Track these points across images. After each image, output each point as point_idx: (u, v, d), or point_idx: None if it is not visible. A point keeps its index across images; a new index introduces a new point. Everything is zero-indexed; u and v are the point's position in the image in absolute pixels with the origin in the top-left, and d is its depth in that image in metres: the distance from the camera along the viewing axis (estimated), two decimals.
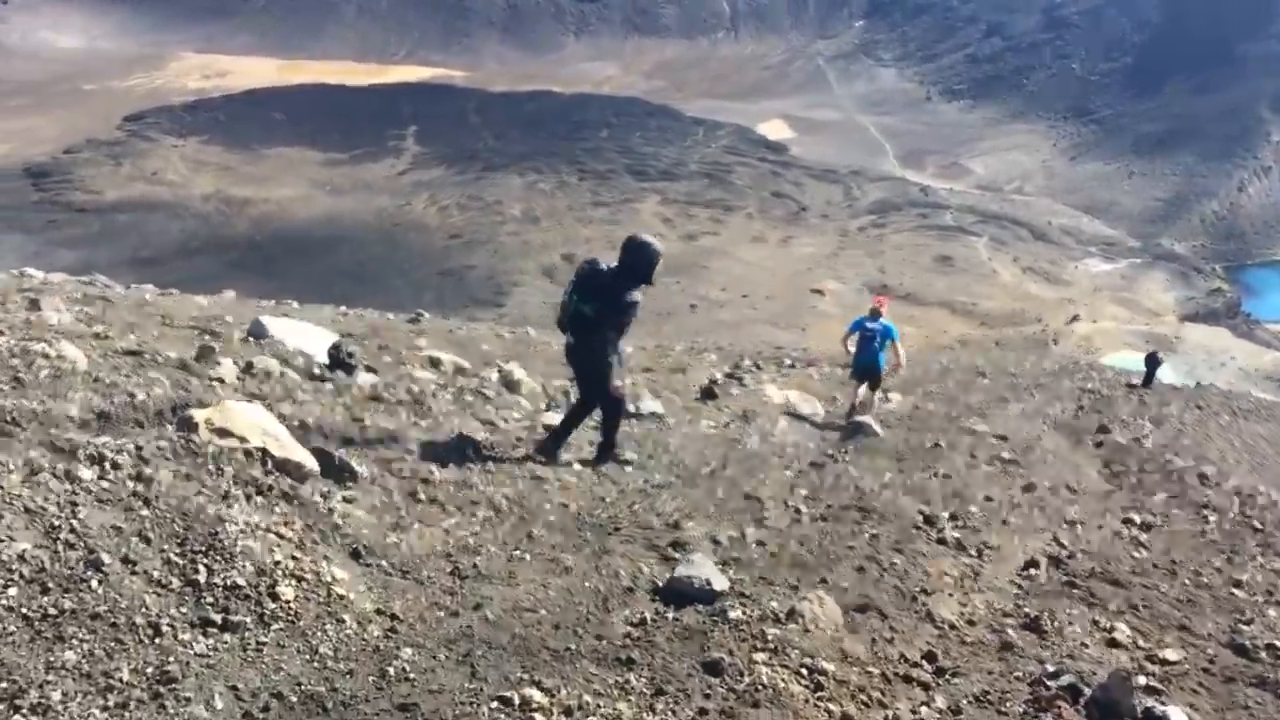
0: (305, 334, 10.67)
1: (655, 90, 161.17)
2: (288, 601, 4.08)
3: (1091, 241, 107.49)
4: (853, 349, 15.00)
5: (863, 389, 14.68)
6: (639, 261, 7.72)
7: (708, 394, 13.63)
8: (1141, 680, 4.90)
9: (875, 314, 14.86)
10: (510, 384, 10.91)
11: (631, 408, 9.23)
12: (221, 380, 7.28)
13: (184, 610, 3.84)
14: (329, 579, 4.33)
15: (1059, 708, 4.27)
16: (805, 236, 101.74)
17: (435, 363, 11.57)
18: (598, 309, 7.56)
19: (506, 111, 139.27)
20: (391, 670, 3.89)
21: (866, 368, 14.59)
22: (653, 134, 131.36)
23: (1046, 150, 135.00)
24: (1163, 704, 4.46)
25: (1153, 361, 31.41)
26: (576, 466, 7.64)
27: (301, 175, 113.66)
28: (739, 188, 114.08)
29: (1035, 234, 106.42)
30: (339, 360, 9.11)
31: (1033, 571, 6.72)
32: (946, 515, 7.92)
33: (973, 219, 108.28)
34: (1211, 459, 16.50)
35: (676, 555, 5.77)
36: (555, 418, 8.80)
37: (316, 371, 8.73)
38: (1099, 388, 24.62)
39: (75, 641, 3.49)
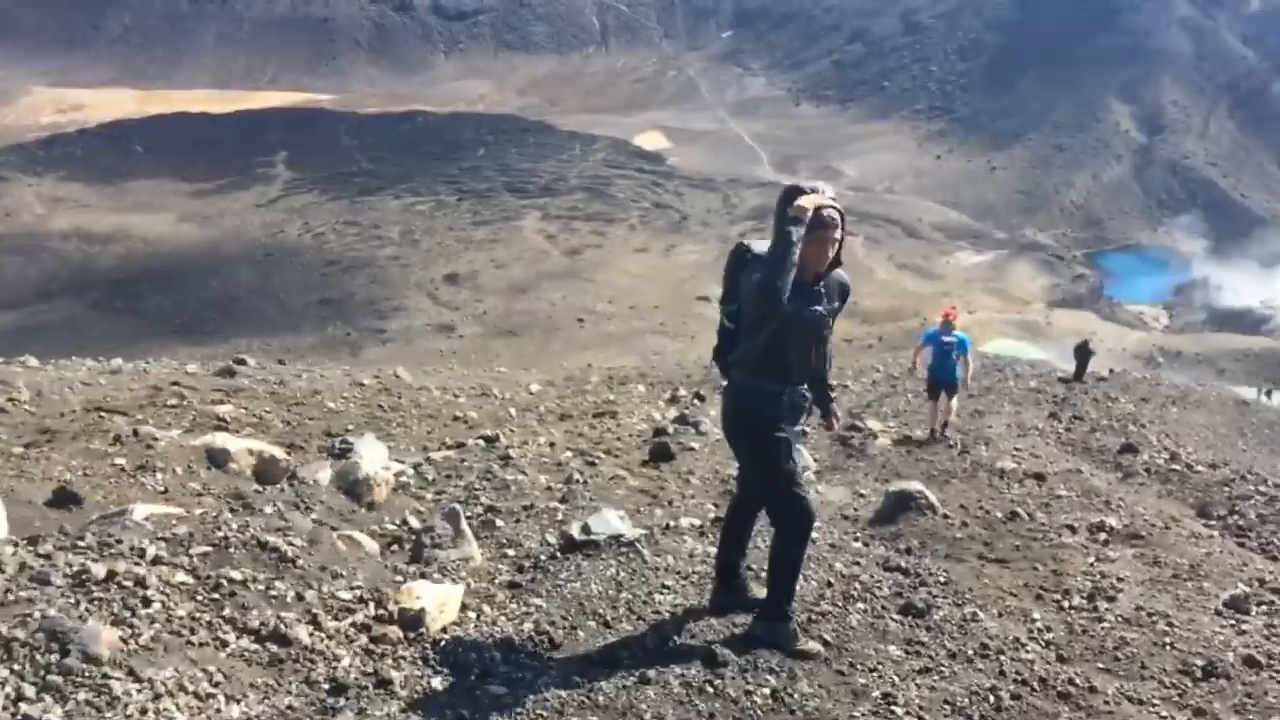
0: None
1: (530, 106, 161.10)
2: None
3: (960, 235, 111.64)
4: (924, 363, 14.39)
5: (942, 403, 13.98)
6: (779, 216, 4.68)
7: (660, 454, 9.40)
8: None
9: (949, 325, 14.18)
10: (354, 487, 6.18)
11: (574, 531, 5.53)
12: None
13: None
14: None
15: None
16: (688, 245, 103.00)
17: (218, 460, 7.23)
18: (736, 315, 4.77)
19: (379, 133, 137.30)
20: None
21: (946, 383, 13.93)
22: (530, 150, 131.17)
23: (913, 150, 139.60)
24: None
25: (1083, 353, 27.97)
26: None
27: (167, 208, 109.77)
28: (620, 200, 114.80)
29: (907, 231, 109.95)
30: None
31: None
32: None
33: (847, 220, 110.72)
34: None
35: None
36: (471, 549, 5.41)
37: None
38: (1044, 386, 23.79)
39: None
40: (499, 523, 6.05)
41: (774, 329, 4.40)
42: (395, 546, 5.48)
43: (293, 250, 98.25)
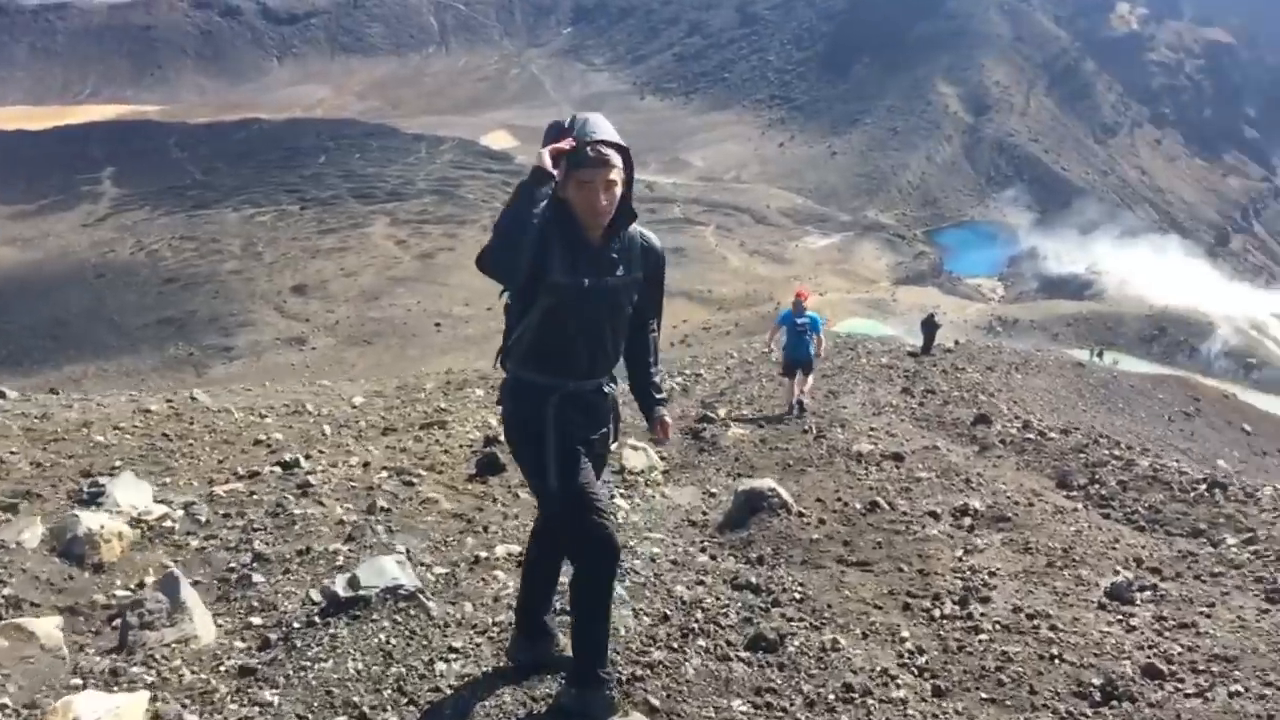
0: None
1: (371, 110, 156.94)
2: None
3: (807, 220, 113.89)
4: (779, 345, 14.84)
5: (798, 381, 14.38)
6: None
7: (487, 466, 8.43)
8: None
9: (800, 307, 14.60)
10: (72, 547, 4.94)
11: (338, 587, 4.32)
12: None
13: None
14: None
15: None
16: None
17: None
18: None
19: (213, 144, 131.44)
20: None
21: (802, 361, 14.41)
22: (374, 155, 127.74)
23: (756, 138, 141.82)
24: None
25: (930, 326, 28.21)
26: None
27: None
28: (470, 201, 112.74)
29: (756, 218, 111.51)
30: None
31: None
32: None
33: (698, 209, 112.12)
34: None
35: None
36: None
37: None
38: (895, 361, 23.70)
39: None
40: (257, 578, 4.81)
41: (546, 306, 3.34)
42: (116, 624, 4.25)
43: (126, 269, 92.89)
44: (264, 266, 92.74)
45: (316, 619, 4.09)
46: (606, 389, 3.59)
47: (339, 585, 4.15)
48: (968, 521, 7.20)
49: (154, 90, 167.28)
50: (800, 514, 6.96)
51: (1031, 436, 12.91)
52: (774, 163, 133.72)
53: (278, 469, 8.00)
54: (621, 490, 7.96)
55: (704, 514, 7.36)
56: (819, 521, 6.90)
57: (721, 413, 13.78)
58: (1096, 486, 9.77)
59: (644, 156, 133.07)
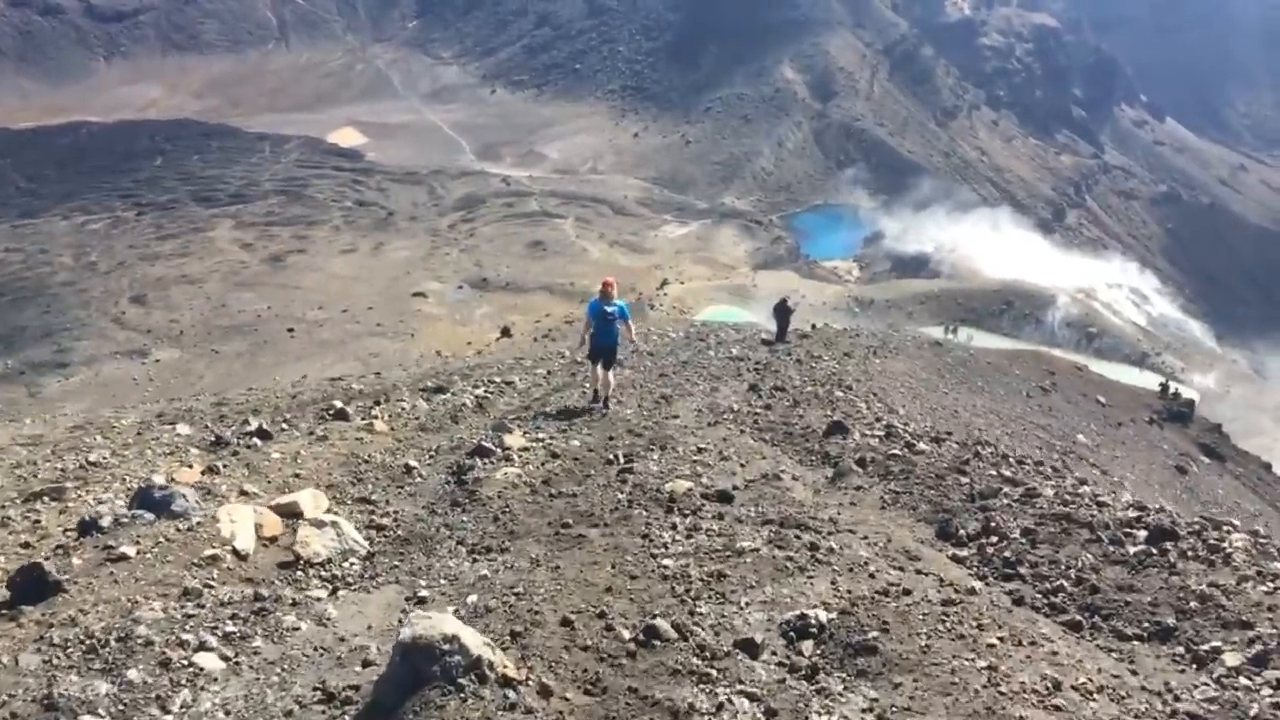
0: None
1: (209, 110, 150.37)
2: None
3: (665, 209, 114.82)
4: (588, 334, 15.20)
5: (601, 370, 14.81)
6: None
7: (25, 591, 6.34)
8: None
9: (607, 296, 15.05)
10: None
11: None
12: None
13: None
14: None
15: None
16: (397, 241, 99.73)
17: None
18: None
19: (37, 149, 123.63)
20: None
21: (607, 349, 14.85)
22: (214, 156, 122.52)
23: (610, 129, 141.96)
24: None
25: (783, 311, 26.82)
26: None
27: None
28: (320, 200, 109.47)
29: (615, 209, 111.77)
30: None
31: None
32: None
33: (556, 202, 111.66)
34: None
35: None
36: None
37: None
38: (746, 353, 22.52)
39: None
40: None
41: None
42: None
43: None
44: (99, 276, 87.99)
45: None
46: None
47: None
48: (806, 657, 4.86)
49: None
50: (510, 682, 4.33)
51: (897, 451, 11.44)
52: (629, 153, 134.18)
53: None
54: (258, 613, 5.83)
55: (359, 670, 5.07)
56: (542, 693, 4.33)
57: (510, 439, 11.98)
58: (994, 541, 7.27)
59: (498, 150, 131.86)
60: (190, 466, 11.05)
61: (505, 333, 69.14)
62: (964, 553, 6.77)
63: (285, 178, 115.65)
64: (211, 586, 6.22)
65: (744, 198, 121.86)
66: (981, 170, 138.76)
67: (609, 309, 14.92)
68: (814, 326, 32.99)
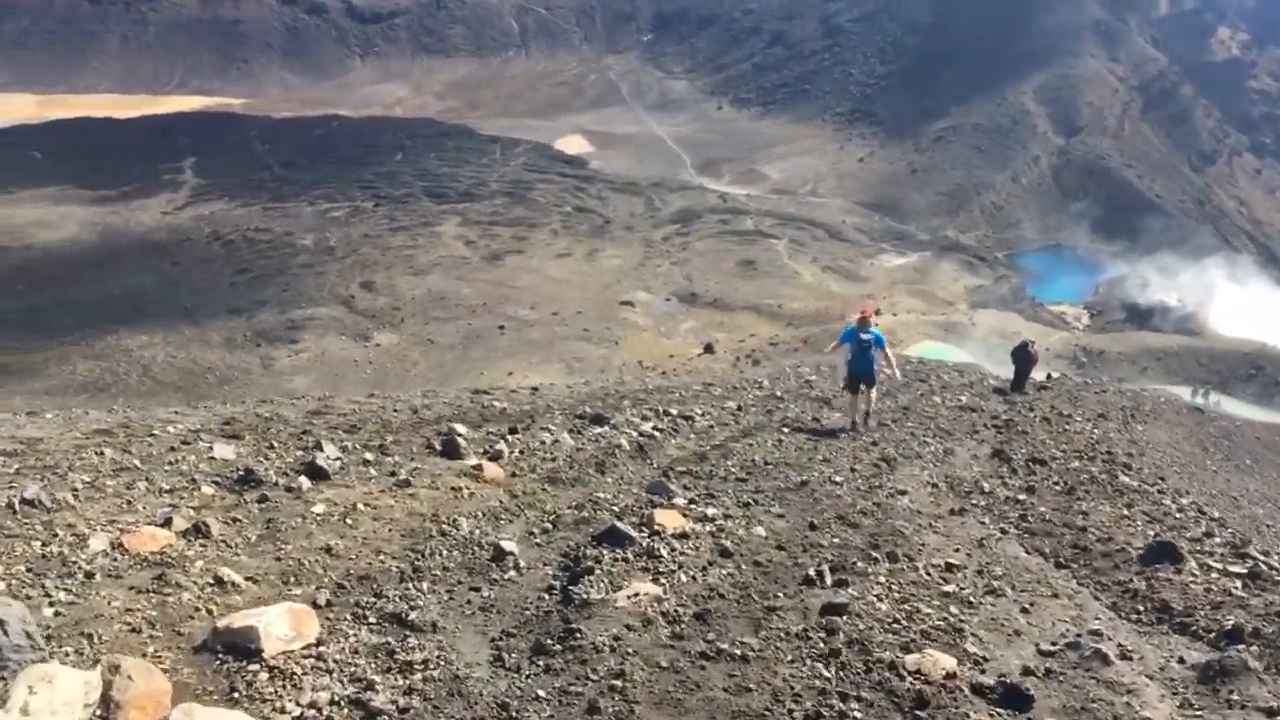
0: None
1: (449, 110, 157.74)
2: None
3: (884, 238, 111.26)
4: (842, 359, 15.58)
5: (860, 401, 15.01)
6: None
7: None
8: None
9: (865, 324, 15.00)
10: None
11: None
12: None
13: None
14: None
15: None
16: (611, 249, 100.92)
17: None
18: None
19: (293, 138, 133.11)
20: None
21: (865, 376, 15.05)
22: (449, 155, 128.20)
23: (834, 153, 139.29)
24: None
25: (1023, 357, 22.88)
26: None
27: (67, 216, 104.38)
28: (541, 204, 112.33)
29: (831, 233, 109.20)
30: None
31: None
32: None
33: (771, 222, 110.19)
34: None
35: None
36: None
37: None
38: (978, 402, 19.14)
39: None
40: None
41: None
42: None
43: (201, 259, 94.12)
44: (335, 260, 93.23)
45: None
46: None
47: None
48: None
49: (239, 84, 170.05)
50: None
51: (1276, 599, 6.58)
52: (851, 177, 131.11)
53: None
54: None
55: None
56: None
57: (664, 515, 8.19)
58: None
59: (718, 166, 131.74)
60: (167, 523, 7.94)
61: (708, 349, 68.32)
62: None
63: (512, 180, 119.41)
64: None
65: (968, 232, 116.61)
66: (1239, 222, 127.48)
67: (864, 336, 14.88)
68: (1049, 376, 29.46)
